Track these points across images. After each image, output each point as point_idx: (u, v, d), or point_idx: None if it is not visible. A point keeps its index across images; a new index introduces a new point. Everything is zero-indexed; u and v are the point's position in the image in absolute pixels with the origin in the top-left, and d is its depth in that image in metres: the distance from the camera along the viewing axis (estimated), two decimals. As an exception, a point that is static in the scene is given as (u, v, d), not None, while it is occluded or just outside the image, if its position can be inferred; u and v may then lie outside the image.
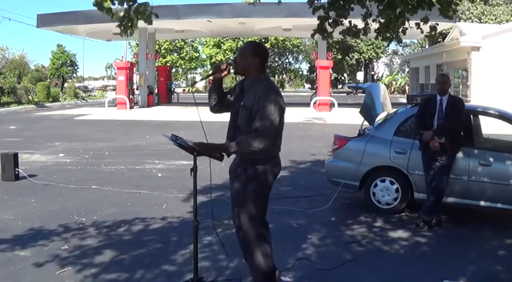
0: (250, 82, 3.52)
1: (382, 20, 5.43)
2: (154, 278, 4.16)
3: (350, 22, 5.55)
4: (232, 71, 3.64)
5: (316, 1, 5.35)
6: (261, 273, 3.57)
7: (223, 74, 3.56)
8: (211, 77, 3.71)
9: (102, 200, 6.84)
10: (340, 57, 53.46)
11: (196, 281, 3.67)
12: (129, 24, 3.79)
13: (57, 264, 4.44)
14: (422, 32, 5.71)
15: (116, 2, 3.77)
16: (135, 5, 3.76)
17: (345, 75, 65.29)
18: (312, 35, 5.72)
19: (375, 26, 5.66)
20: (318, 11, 5.34)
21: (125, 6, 3.77)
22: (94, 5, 3.72)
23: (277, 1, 6.50)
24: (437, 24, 5.64)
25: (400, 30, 5.50)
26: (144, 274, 4.22)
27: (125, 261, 4.55)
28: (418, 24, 5.33)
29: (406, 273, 4.36)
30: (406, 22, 5.39)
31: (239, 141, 3.41)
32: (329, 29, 5.57)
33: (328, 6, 5.31)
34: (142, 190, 7.40)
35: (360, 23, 5.58)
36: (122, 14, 3.75)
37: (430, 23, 5.43)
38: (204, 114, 3.82)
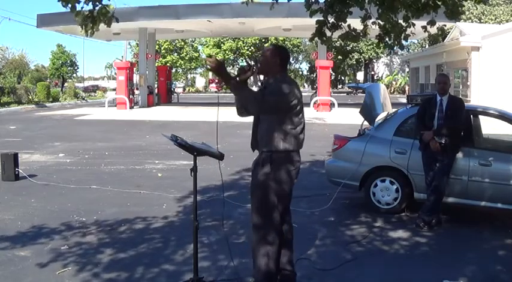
0: (271, 80, 3.71)
1: (382, 23, 5.39)
2: (154, 278, 4.16)
3: (349, 26, 5.51)
4: (255, 70, 3.77)
5: (314, 3, 5.32)
6: (261, 274, 3.60)
7: (247, 74, 3.69)
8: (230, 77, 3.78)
9: (102, 200, 6.84)
10: (340, 58, 53.37)
11: (196, 281, 3.68)
12: (91, 25, 3.84)
13: (58, 264, 4.44)
14: (429, 35, 5.68)
15: (82, 1, 3.81)
16: (98, 6, 3.80)
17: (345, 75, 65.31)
18: (311, 39, 5.72)
19: (375, 28, 5.62)
20: (315, 15, 5.32)
21: (90, 6, 3.82)
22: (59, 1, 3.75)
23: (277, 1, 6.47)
24: (445, 25, 5.58)
25: (402, 36, 5.46)
26: (144, 274, 4.22)
27: (125, 261, 4.55)
28: (424, 28, 5.29)
29: (406, 273, 4.36)
30: (412, 27, 5.34)
31: (243, 91, 3.55)
32: (328, 33, 5.55)
33: (325, 10, 5.28)
34: (142, 190, 7.40)
35: (359, 25, 5.55)
36: (86, 13, 3.79)
37: (437, 25, 5.39)
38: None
